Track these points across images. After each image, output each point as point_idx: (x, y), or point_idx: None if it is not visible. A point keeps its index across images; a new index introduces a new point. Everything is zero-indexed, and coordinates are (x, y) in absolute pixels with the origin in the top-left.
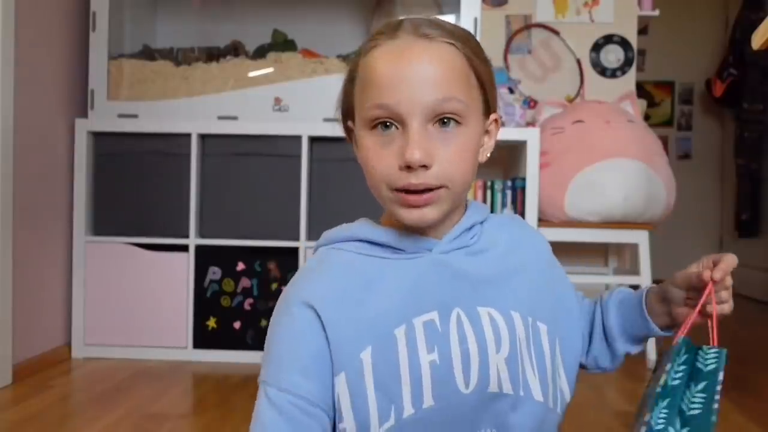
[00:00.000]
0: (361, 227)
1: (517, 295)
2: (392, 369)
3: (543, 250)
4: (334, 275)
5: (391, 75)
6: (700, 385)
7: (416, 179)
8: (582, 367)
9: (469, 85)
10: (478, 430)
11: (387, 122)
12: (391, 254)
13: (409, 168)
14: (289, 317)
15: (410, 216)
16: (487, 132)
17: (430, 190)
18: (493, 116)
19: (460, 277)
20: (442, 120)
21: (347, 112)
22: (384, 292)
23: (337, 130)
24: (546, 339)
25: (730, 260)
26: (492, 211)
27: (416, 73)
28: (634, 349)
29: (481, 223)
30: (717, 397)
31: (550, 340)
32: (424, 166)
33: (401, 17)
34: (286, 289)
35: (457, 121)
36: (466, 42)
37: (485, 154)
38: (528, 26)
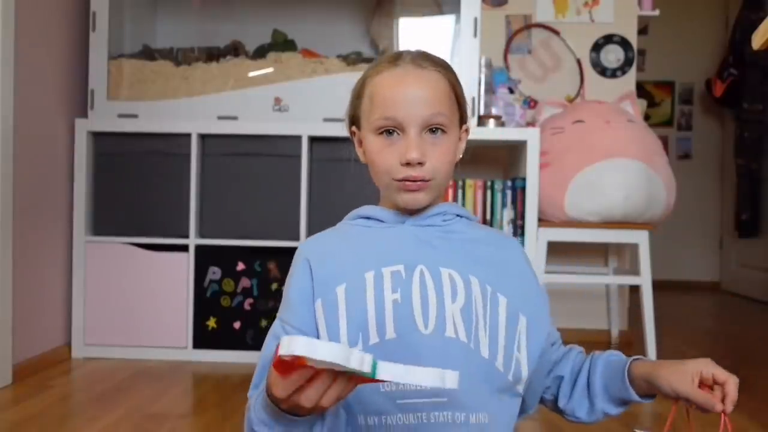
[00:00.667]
0: (364, 207)
1: (478, 266)
2: (361, 303)
3: (518, 255)
4: (328, 237)
5: (395, 95)
6: None
7: (414, 172)
8: (560, 411)
9: (450, 103)
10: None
11: (390, 129)
12: (376, 224)
13: (408, 164)
14: (293, 268)
15: (407, 199)
16: (460, 138)
17: (423, 180)
18: (464, 126)
19: (426, 244)
20: (432, 129)
21: (353, 120)
22: (362, 248)
23: (336, 131)
24: (504, 310)
25: (734, 387)
26: (492, 212)
27: (413, 94)
28: (615, 411)
29: (459, 216)
30: None
31: (509, 312)
32: (420, 163)
33: (401, 52)
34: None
35: (443, 130)
36: (448, 70)
37: (458, 155)
38: (528, 26)
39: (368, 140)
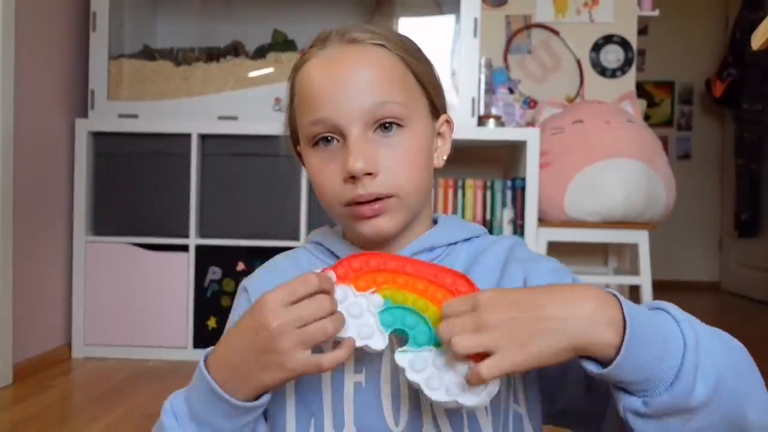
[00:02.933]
0: (321, 231)
1: None
2: (313, 383)
3: (524, 259)
4: (279, 269)
5: (323, 87)
6: None
7: (363, 189)
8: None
9: (406, 86)
10: None
11: (327, 137)
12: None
13: (353, 179)
14: (237, 302)
15: (365, 229)
16: (439, 134)
17: (380, 199)
18: (443, 117)
19: None
20: (383, 125)
21: (294, 135)
22: None
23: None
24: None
25: None
26: (492, 212)
27: (348, 80)
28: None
29: (453, 244)
30: None
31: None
32: (369, 174)
33: (332, 29)
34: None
35: (398, 125)
36: (398, 43)
37: (441, 159)
38: (528, 26)
39: (306, 157)
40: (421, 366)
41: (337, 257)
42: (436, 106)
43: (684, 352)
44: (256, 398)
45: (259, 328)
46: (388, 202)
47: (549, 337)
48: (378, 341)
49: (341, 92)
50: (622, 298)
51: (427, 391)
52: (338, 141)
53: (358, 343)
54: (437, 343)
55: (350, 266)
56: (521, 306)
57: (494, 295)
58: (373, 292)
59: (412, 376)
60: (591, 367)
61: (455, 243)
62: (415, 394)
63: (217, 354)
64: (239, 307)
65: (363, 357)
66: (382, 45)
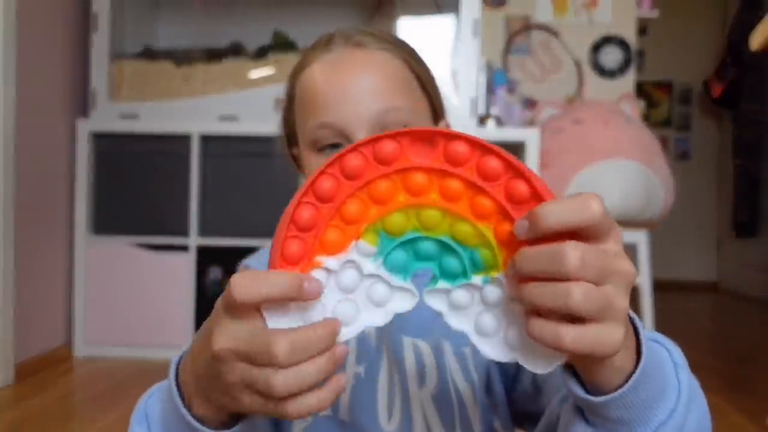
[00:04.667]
0: None
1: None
2: None
3: None
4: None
5: (330, 91)
6: None
7: None
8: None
9: (411, 91)
10: None
11: (334, 143)
12: None
13: None
14: None
15: None
16: None
17: None
18: (442, 123)
19: None
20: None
21: (291, 137)
22: None
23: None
24: (494, 370)
25: None
26: None
27: (355, 85)
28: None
29: None
30: None
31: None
32: None
33: (334, 32)
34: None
35: None
36: (401, 46)
37: None
38: (527, 27)
39: (307, 161)
40: (466, 303)
41: None
42: (437, 110)
43: (676, 404)
44: (229, 422)
45: (206, 343)
46: None
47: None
48: (397, 304)
49: (348, 97)
50: (637, 320)
51: (480, 344)
52: (343, 146)
53: (358, 330)
54: (481, 269)
55: (298, 226)
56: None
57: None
58: (356, 243)
59: (454, 321)
60: (578, 391)
61: None
62: (406, 394)
63: (186, 357)
64: None
65: (365, 346)
66: (386, 50)
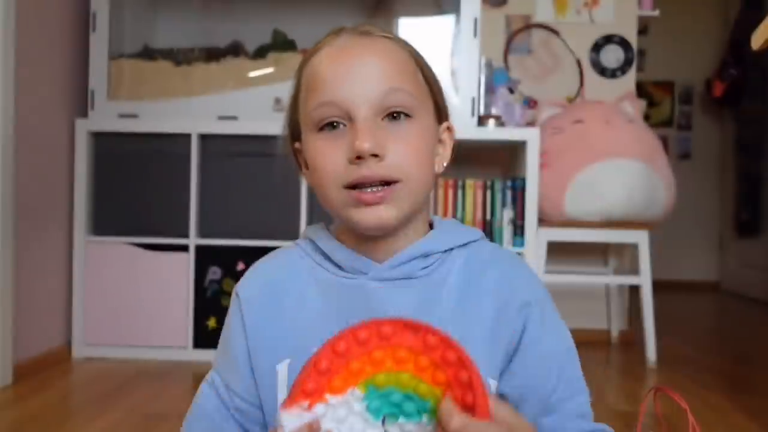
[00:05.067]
0: (315, 229)
1: (468, 334)
2: None
3: (529, 299)
4: (271, 276)
5: (334, 72)
6: None
7: (368, 170)
8: None
9: (416, 81)
10: None
11: (334, 122)
12: (332, 268)
13: (359, 159)
14: (231, 309)
15: (365, 217)
16: (440, 141)
17: (385, 184)
18: (445, 124)
19: (392, 312)
20: (392, 114)
21: (294, 131)
22: (310, 306)
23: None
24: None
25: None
26: (492, 212)
27: (360, 66)
28: None
29: (450, 250)
30: None
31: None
32: (376, 156)
33: (343, 26)
34: (242, 278)
35: (407, 114)
36: (407, 42)
37: (441, 164)
38: (528, 26)
39: (307, 144)
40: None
41: (328, 258)
42: (440, 110)
43: None
44: None
45: None
46: (392, 188)
47: None
48: None
49: (352, 77)
50: None
51: None
52: (344, 126)
53: None
54: (429, 412)
55: (317, 371)
56: None
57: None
58: (352, 389)
59: None
60: None
61: (451, 249)
62: None
63: None
64: (232, 315)
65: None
66: (393, 42)
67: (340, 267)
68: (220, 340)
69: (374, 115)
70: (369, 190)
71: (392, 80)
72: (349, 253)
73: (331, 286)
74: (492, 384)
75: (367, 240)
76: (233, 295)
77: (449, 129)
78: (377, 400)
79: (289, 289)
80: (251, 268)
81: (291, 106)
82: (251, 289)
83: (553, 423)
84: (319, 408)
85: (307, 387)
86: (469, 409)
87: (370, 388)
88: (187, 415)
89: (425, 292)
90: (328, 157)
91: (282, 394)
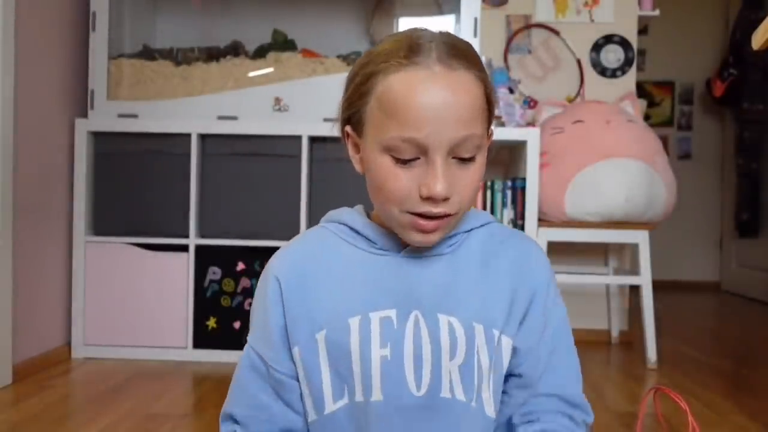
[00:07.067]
0: (349, 213)
1: (484, 305)
2: (344, 356)
3: (539, 280)
4: (305, 253)
5: (418, 108)
6: None
7: (437, 209)
8: None
9: (484, 117)
10: None
11: (412, 158)
12: (365, 245)
13: (430, 199)
14: (263, 288)
15: (417, 239)
16: None
17: (445, 216)
18: (489, 131)
19: (424, 282)
20: (462, 158)
21: (351, 118)
22: (346, 280)
23: (336, 131)
24: (508, 353)
25: None
26: (492, 212)
27: (442, 107)
28: None
29: (469, 230)
30: None
31: (511, 355)
32: (445, 199)
33: (419, 37)
34: (271, 258)
35: (473, 157)
36: (481, 68)
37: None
38: (528, 26)
39: (373, 155)
40: None
41: (365, 237)
42: (489, 126)
43: None
44: None
45: None
46: (447, 220)
47: None
48: None
49: (433, 118)
50: None
51: None
52: (418, 158)
53: None
54: None
55: None
56: None
57: None
58: None
59: None
60: None
61: (470, 230)
62: (437, 362)
63: None
64: (270, 294)
65: (387, 329)
66: (472, 73)
67: (373, 244)
68: (254, 319)
69: (447, 154)
70: (430, 220)
71: (468, 126)
72: (385, 232)
73: (363, 261)
74: (508, 341)
75: None
76: (266, 276)
77: (490, 135)
78: None
79: (321, 266)
80: (282, 249)
81: (351, 99)
82: (286, 267)
83: (528, 398)
84: None
85: None
86: None
87: None
88: (232, 387)
89: (452, 264)
90: (398, 183)
91: (323, 357)
